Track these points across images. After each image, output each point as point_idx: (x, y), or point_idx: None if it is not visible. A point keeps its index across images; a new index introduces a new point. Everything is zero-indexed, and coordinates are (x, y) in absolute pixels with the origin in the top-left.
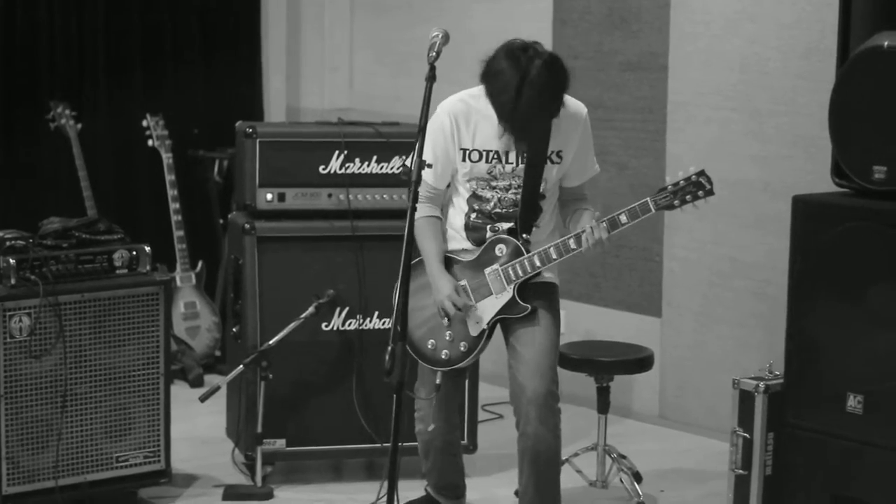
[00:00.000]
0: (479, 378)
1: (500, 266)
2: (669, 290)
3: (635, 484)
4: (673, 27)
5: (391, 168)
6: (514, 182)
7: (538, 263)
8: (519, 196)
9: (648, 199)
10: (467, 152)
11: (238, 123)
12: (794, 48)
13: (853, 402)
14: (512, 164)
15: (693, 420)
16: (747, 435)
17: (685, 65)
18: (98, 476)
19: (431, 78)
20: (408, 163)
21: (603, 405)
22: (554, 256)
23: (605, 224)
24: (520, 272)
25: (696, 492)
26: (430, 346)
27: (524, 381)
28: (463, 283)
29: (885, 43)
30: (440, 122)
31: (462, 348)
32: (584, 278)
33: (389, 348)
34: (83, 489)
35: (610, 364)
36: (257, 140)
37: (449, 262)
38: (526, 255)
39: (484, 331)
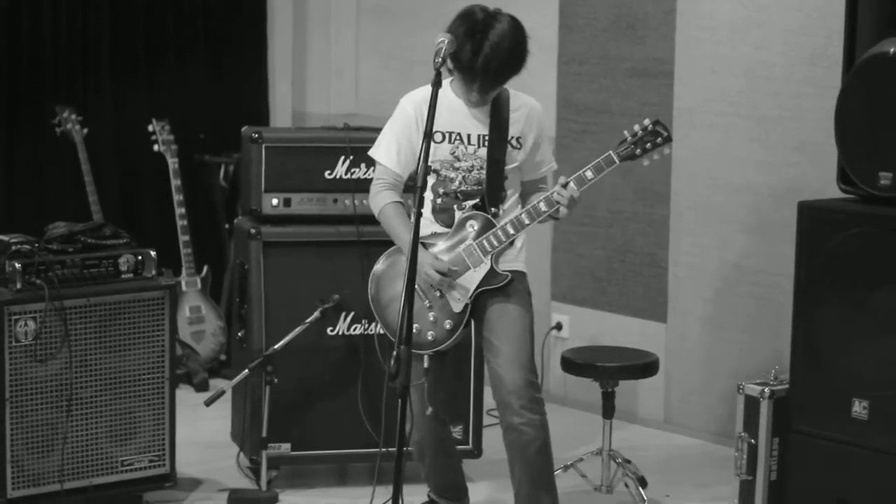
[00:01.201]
0: (483, 383)
1: (475, 240)
2: (675, 296)
3: (640, 489)
4: (679, 33)
5: None
6: (476, 163)
7: (511, 231)
8: (483, 174)
9: (611, 151)
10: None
11: (244, 128)
12: (800, 54)
13: (858, 408)
14: (474, 145)
15: (698, 425)
16: (752, 440)
17: (691, 71)
18: (103, 480)
19: (437, 83)
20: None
21: (608, 410)
22: (526, 221)
23: (572, 182)
24: (494, 242)
25: (701, 497)
26: (414, 331)
27: (503, 372)
28: (441, 255)
29: (891, 49)
30: (403, 111)
31: (447, 326)
32: (590, 283)
33: (394, 352)
34: (88, 493)
35: (615, 369)
36: (263, 145)
37: (423, 248)
38: (498, 225)
39: (467, 305)
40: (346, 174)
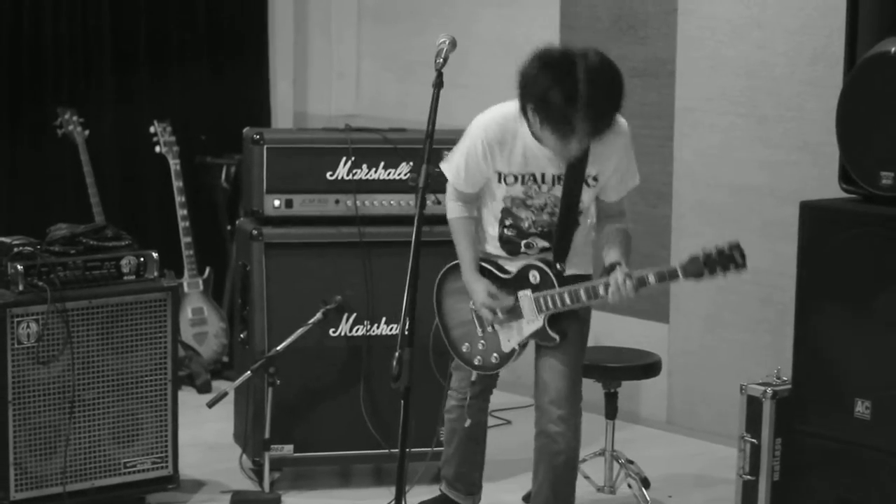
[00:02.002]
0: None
1: (532, 294)
2: (677, 296)
3: (643, 489)
4: (680, 33)
5: (399, 174)
6: (549, 201)
7: (568, 302)
8: (555, 218)
9: (678, 266)
10: (503, 175)
11: (245, 130)
12: (801, 54)
13: (861, 408)
14: (548, 184)
15: (701, 426)
16: (755, 440)
17: (692, 71)
18: (106, 482)
19: (439, 84)
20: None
21: (611, 411)
22: (583, 299)
23: (632, 283)
24: (550, 305)
25: (704, 497)
26: (464, 349)
27: (549, 380)
28: (498, 290)
29: (893, 49)
30: (475, 143)
31: (494, 360)
32: None
33: (397, 354)
34: (91, 495)
35: (618, 370)
36: (265, 146)
37: (485, 273)
38: (557, 289)
39: (515, 349)
40: (347, 175)
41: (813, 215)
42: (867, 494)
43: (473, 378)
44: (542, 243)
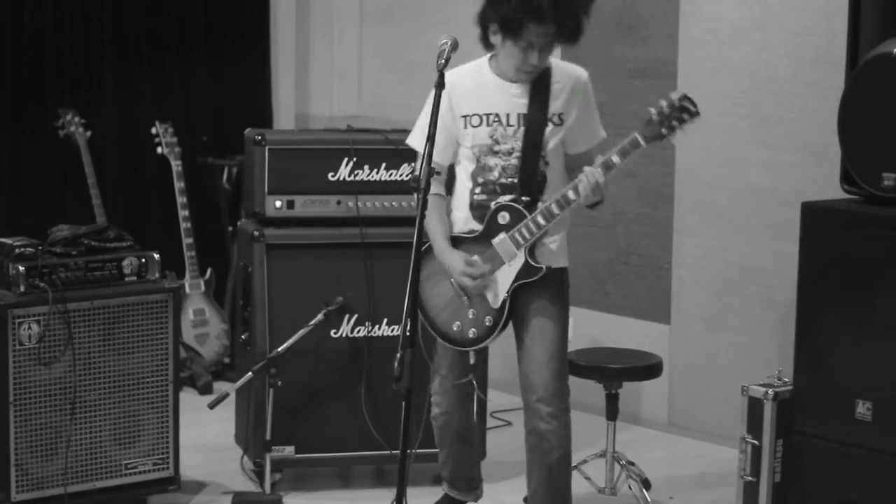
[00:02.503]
0: (487, 385)
1: (507, 233)
2: (678, 297)
3: (644, 491)
4: (682, 34)
5: (400, 175)
6: (516, 145)
7: (542, 222)
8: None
9: (636, 133)
10: (467, 118)
11: (247, 131)
12: (803, 55)
13: (862, 409)
14: (513, 125)
15: (702, 427)
16: (756, 442)
17: (694, 72)
18: (107, 483)
19: (440, 85)
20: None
21: (612, 412)
22: (556, 211)
23: (599, 168)
24: (526, 234)
25: (705, 498)
26: (455, 329)
27: (534, 377)
28: (474, 258)
29: (895, 50)
30: (434, 93)
31: (487, 322)
32: (593, 285)
33: (398, 355)
34: (92, 496)
35: (619, 371)
36: (266, 147)
37: (456, 242)
38: (529, 216)
39: (505, 300)
40: (349, 176)
41: (815, 216)
42: (868, 496)
43: (472, 360)
44: (509, 197)
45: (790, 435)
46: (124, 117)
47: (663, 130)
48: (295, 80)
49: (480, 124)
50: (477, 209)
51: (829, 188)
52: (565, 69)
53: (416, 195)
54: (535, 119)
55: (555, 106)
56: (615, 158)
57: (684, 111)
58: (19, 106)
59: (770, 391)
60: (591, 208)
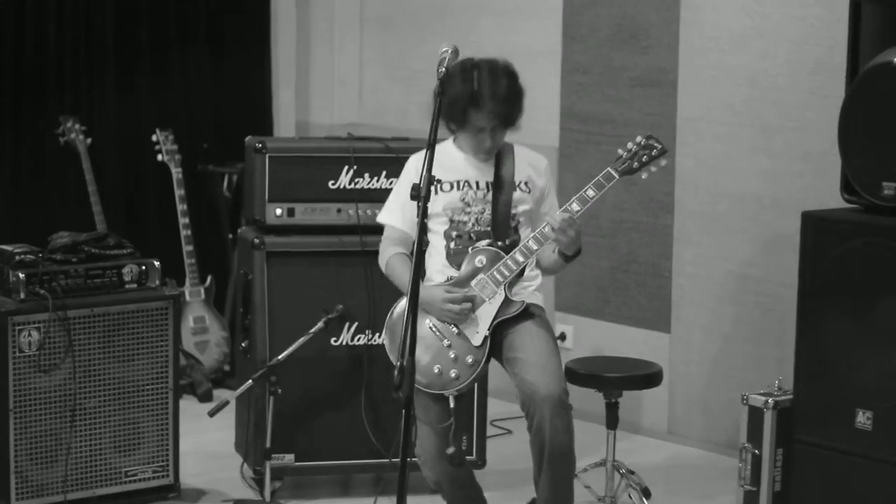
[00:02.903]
0: (487, 393)
1: (486, 273)
2: (678, 306)
3: (644, 499)
4: (682, 43)
5: None
6: (486, 206)
7: (520, 258)
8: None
9: (609, 168)
10: (439, 184)
11: (247, 138)
12: (804, 64)
13: (862, 419)
14: (483, 189)
15: (702, 436)
16: (756, 451)
17: (694, 81)
18: (107, 490)
19: (441, 93)
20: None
21: (612, 421)
22: (534, 247)
23: (574, 203)
24: (505, 272)
25: None
26: (436, 372)
27: (535, 380)
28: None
29: (895, 59)
30: (406, 171)
31: (468, 361)
32: (593, 293)
33: (398, 363)
34: (92, 503)
35: (619, 380)
36: (267, 155)
37: (432, 284)
38: (507, 255)
39: (486, 337)
40: (349, 184)
41: (815, 225)
42: None
43: (452, 404)
44: (485, 242)
45: (790, 444)
46: (125, 124)
47: (634, 165)
48: (295, 87)
49: (451, 189)
50: (455, 256)
51: (830, 197)
52: (527, 153)
53: (416, 203)
54: (503, 182)
55: (519, 175)
56: (590, 192)
57: (651, 148)
58: (20, 112)
59: (770, 400)
60: (568, 260)
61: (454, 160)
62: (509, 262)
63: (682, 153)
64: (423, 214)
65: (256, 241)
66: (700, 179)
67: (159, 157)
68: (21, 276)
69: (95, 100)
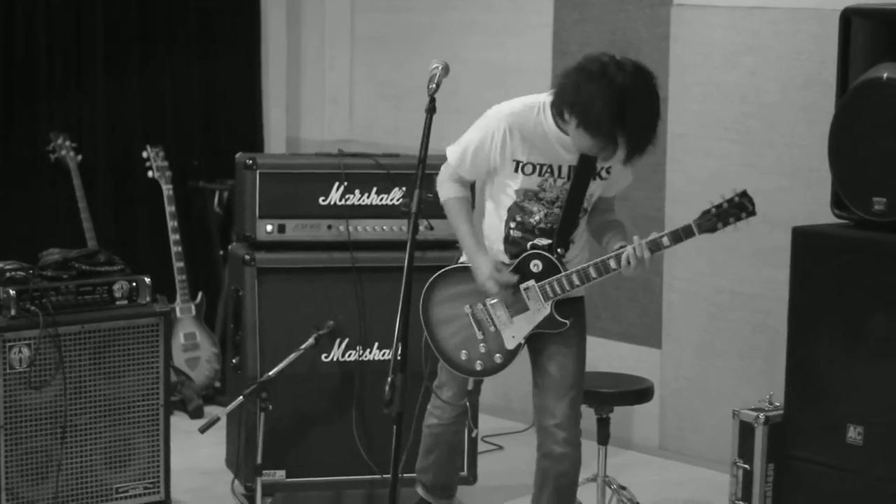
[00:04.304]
0: (478, 410)
1: (537, 283)
2: (669, 322)
3: None
4: (672, 59)
5: (391, 199)
6: (561, 195)
7: (577, 282)
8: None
9: (692, 222)
10: (521, 164)
11: (238, 155)
12: (794, 80)
13: (853, 434)
14: (563, 178)
15: (693, 451)
16: (747, 466)
17: (685, 96)
18: None
19: (431, 110)
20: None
21: (603, 436)
22: (593, 276)
23: (646, 245)
24: (557, 290)
25: None
26: (463, 357)
27: (552, 403)
28: (494, 301)
29: (885, 75)
30: (495, 129)
31: (497, 360)
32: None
33: (389, 379)
34: None
35: (610, 395)
36: (257, 171)
37: (486, 256)
38: (564, 273)
39: (521, 344)
40: (340, 200)
41: (805, 241)
42: None
43: (471, 386)
44: (546, 242)
45: (781, 459)
46: (115, 141)
47: (719, 224)
48: (286, 104)
49: (533, 173)
50: (512, 244)
51: (820, 213)
52: None
53: (407, 220)
54: (584, 172)
55: (604, 160)
56: (665, 241)
57: (742, 209)
58: (10, 129)
59: (761, 416)
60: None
61: (546, 139)
62: (564, 281)
63: (673, 169)
64: (414, 231)
65: (247, 257)
66: (690, 195)
67: (150, 173)
68: (11, 292)
69: (86, 116)
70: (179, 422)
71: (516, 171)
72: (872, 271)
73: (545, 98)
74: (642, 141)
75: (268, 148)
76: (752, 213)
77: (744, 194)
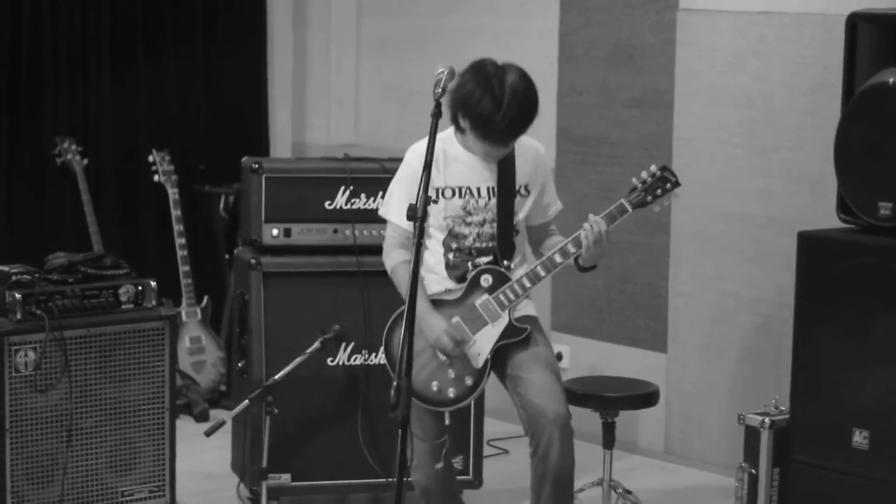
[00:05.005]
0: (484, 413)
1: (490, 295)
2: (674, 326)
3: None
4: (678, 64)
5: None
6: (488, 216)
7: (528, 284)
8: (495, 229)
9: (623, 200)
10: (440, 190)
11: (244, 159)
12: (800, 85)
13: (859, 438)
14: (485, 198)
15: (699, 455)
16: (753, 470)
17: (690, 101)
18: None
19: (437, 114)
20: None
21: (608, 440)
22: (542, 274)
23: (601, 218)
24: (511, 296)
25: None
26: (434, 389)
27: (543, 404)
28: (456, 319)
29: (891, 79)
30: (408, 165)
31: (468, 383)
32: (589, 313)
33: (395, 383)
34: None
35: (615, 399)
36: (263, 175)
37: (435, 305)
38: (514, 279)
39: (487, 360)
40: (346, 204)
41: (811, 246)
42: None
43: (448, 421)
44: (487, 259)
45: (787, 463)
46: (121, 145)
47: (648, 198)
48: (292, 108)
49: (453, 196)
50: (454, 269)
51: (826, 217)
52: (526, 144)
53: (413, 223)
54: (505, 190)
55: (521, 178)
56: (602, 223)
57: (665, 181)
58: (17, 133)
59: (766, 420)
60: (584, 272)
61: (458, 161)
62: (516, 287)
63: (678, 173)
64: (420, 235)
65: (253, 261)
66: (696, 200)
67: (156, 177)
68: (18, 296)
69: (92, 119)
70: (185, 425)
71: (437, 198)
72: (878, 276)
73: (449, 131)
74: (523, 116)
75: (274, 152)
76: (677, 183)
77: (664, 168)
